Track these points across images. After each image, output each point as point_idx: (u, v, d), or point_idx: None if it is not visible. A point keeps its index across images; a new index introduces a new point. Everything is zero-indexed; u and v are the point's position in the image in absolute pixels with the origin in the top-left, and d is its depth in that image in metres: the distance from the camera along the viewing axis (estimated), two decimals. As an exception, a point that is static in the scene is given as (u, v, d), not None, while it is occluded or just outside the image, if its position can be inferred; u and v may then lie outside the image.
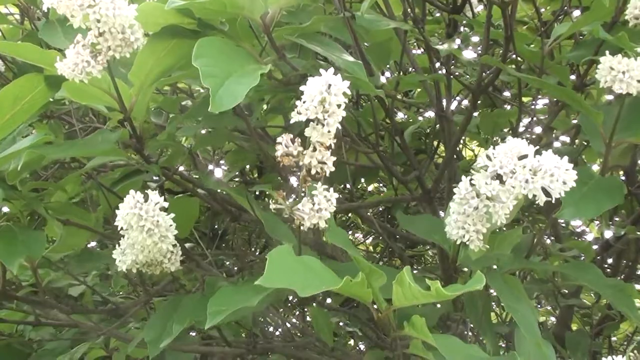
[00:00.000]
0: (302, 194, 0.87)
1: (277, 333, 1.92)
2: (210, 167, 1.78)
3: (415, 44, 1.91)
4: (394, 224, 2.05)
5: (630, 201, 1.71)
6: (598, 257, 1.70)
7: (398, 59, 1.53)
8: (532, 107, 1.66)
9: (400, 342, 0.98)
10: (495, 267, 1.10)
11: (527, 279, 1.67)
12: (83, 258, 1.45)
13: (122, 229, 0.97)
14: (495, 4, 1.20)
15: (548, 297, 1.84)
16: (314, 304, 1.53)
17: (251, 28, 1.09)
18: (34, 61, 1.01)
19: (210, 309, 0.83)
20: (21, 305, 1.46)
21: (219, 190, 1.44)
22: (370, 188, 2.37)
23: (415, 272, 1.61)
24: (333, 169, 0.84)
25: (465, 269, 1.18)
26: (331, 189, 0.86)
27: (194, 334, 1.72)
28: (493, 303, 1.67)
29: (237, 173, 1.85)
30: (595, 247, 1.69)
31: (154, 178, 1.60)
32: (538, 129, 1.62)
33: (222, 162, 1.86)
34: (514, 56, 1.46)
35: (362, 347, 2.20)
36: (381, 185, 2.35)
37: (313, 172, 0.83)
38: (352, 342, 2.26)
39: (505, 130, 1.64)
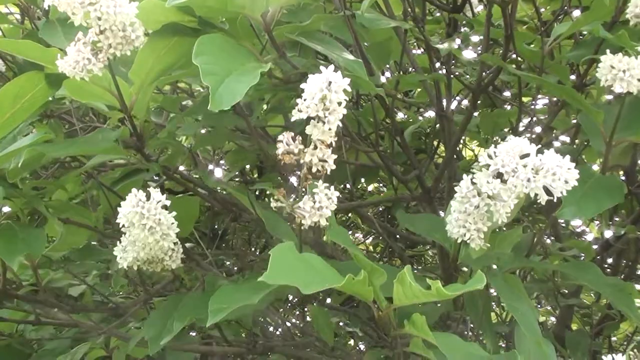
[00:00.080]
0: (303, 192, 0.87)
1: (277, 333, 1.92)
2: (211, 167, 1.78)
3: (415, 44, 1.91)
4: (394, 224, 2.05)
5: (630, 201, 1.70)
6: (598, 257, 1.70)
7: (398, 59, 1.53)
8: (532, 107, 1.66)
9: (401, 340, 0.98)
10: (495, 266, 1.10)
11: (527, 279, 1.66)
12: (84, 254, 1.45)
13: (123, 226, 0.97)
14: (495, 3, 1.20)
15: (548, 297, 1.84)
16: (315, 304, 1.53)
17: (252, 27, 1.08)
18: (35, 59, 1.02)
19: (212, 306, 0.83)
20: (22, 305, 1.46)
21: (219, 190, 1.44)
22: (370, 188, 2.37)
23: (415, 272, 1.61)
24: (334, 166, 0.84)
25: (465, 269, 1.18)
26: (332, 187, 0.86)
27: (194, 333, 1.72)
28: (493, 303, 1.67)
29: (237, 173, 1.85)
30: (595, 246, 1.69)
31: (154, 178, 1.60)
32: (538, 129, 1.62)
33: (222, 162, 1.86)
34: (514, 56, 1.45)
35: (362, 347, 2.19)
36: (381, 185, 2.35)
37: (314, 170, 0.83)
38: (352, 342, 2.25)
39: (506, 130, 1.64)
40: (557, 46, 1.42)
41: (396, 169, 1.57)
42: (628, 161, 1.56)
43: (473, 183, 0.91)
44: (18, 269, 1.15)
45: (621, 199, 1.05)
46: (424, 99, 1.83)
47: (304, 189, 0.86)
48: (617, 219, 1.81)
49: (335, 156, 0.84)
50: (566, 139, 1.65)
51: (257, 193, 1.91)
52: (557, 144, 1.65)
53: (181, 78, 1.25)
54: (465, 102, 1.88)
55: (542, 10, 1.65)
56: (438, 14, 1.74)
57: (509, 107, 1.74)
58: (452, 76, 1.47)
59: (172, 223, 0.98)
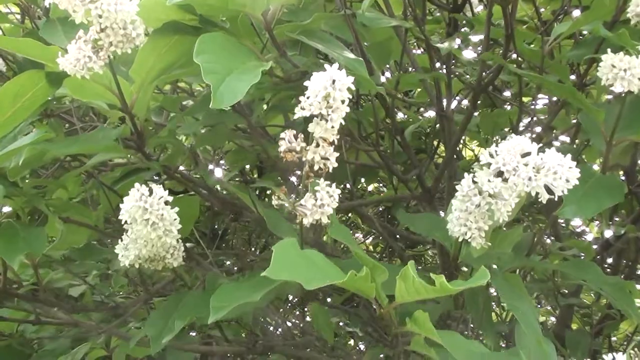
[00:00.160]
0: (305, 190, 0.87)
1: (278, 333, 1.92)
2: (211, 166, 1.77)
3: (415, 44, 1.91)
4: (394, 224, 2.05)
5: (630, 200, 1.71)
6: (598, 257, 1.70)
7: (398, 59, 1.53)
8: (533, 106, 1.66)
9: (402, 339, 0.98)
10: (494, 266, 1.10)
11: (527, 278, 1.66)
12: (84, 253, 1.45)
13: (125, 222, 0.97)
14: (495, 3, 1.21)
15: (548, 296, 1.84)
16: (316, 302, 1.53)
17: (252, 25, 1.09)
18: (35, 57, 1.02)
19: (213, 304, 0.83)
20: (22, 305, 1.46)
21: (219, 190, 1.44)
22: (370, 188, 2.37)
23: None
24: (336, 164, 0.84)
25: (465, 268, 1.18)
26: (333, 185, 0.86)
27: (194, 334, 1.72)
28: (493, 303, 1.67)
29: (237, 173, 1.85)
30: (595, 246, 1.69)
31: (154, 178, 1.60)
32: (538, 129, 1.62)
33: (222, 162, 1.86)
34: (514, 56, 1.45)
35: (362, 347, 2.19)
36: (381, 185, 2.35)
37: (316, 167, 0.83)
38: (352, 342, 2.25)
39: (506, 130, 1.64)
40: (557, 46, 1.42)
41: (396, 168, 1.57)
42: (628, 161, 1.56)
43: (474, 182, 0.91)
44: (18, 268, 1.15)
45: (621, 198, 1.05)
46: (424, 99, 1.83)
47: (305, 187, 0.86)
48: (617, 219, 1.81)
49: (338, 154, 0.84)
50: (566, 139, 1.65)
51: (257, 193, 1.91)
52: (557, 144, 1.65)
53: (182, 77, 1.25)
54: (465, 102, 1.88)
55: (542, 10, 1.65)
56: (438, 14, 1.74)
57: (509, 107, 1.74)
58: (452, 75, 1.46)
59: (175, 219, 0.98)
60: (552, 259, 1.35)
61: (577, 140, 1.56)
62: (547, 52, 1.25)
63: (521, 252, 1.19)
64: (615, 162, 1.34)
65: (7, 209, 1.28)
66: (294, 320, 2.04)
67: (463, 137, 1.78)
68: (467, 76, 1.70)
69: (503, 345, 1.57)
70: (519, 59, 1.37)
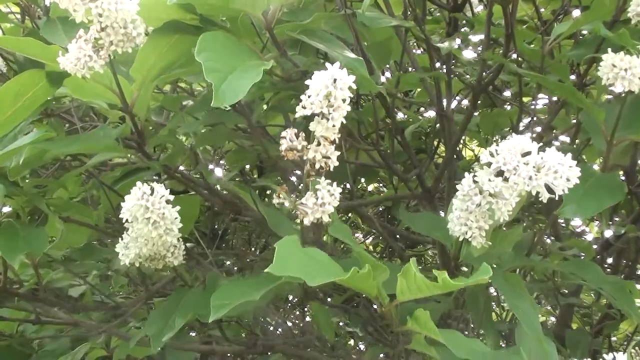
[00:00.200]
0: (306, 189, 0.87)
1: (278, 333, 1.92)
2: (211, 166, 1.77)
3: (415, 44, 1.91)
4: (394, 224, 2.05)
5: (630, 200, 1.71)
6: (598, 257, 1.70)
7: (398, 59, 1.54)
8: (533, 106, 1.66)
9: (402, 338, 0.98)
10: (495, 265, 1.10)
11: (527, 279, 1.67)
12: (84, 253, 1.45)
13: (126, 221, 0.97)
14: (496, 2, 1.21)
15: (548, 296, 1.84)
16: (316, 301, 1.52)
17: (253, 25, 1.09)
18: (36, 56, 1.02)
19: (214, 302, 0.83)
20: (22, 305, 1.45)
21: (220, 189, 1.44)
22: (370, 188, 2.37)
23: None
24: (337, 163, 0.84)
25: (465, 268, 1.18)
26: (334, 184, 0.86)
27: (194, 334, 1.72)
28: (493, 303, 1.67)
29: (237, 173, 1.85)
30: (595, 246, 1.69)
31: (154, 178, 1.60)
32: (538, 129, 1.62)
33: (222, 162, 1.86)
34: (514, 56, 1.46)
35: (362, 347, 2.19)
36: (381, 185, 2.35)
37: (317, 166, 0.84)
38: (352, 342, 2.25)
39: (506, 130, 1.64)
40: (557, 46, 1.42)
41: (396, 167, 1.57)
42: (628, 161, 1.56)
43: (475, 181, 0.91)
44: (19, 268, 1.15)
45: (622, 197, 1.05)
46: (424, 99, 1.83)
47: (306, 186, 0.87)
48: (617, 219, 1.81)
49: (339, 153, 0.84)
50: (566, 139, 1.65)
51: (257, 193, 1.91)
52: (556, 143, 1.65)
53: (182, 76, 1.25)
54: (465, 102, 1.88)
55: (542, 10, 1.65)
56: (438, 14, 1.75)
57: (508, 107, 1.74)
58: (452, 75, 1.47)
59: (176, 218, 0.98)
60: (552, 258, 1.35)
61: (577, 140, 1.56)
62: (547, 51, 1.25)
63: (521, 252, 1.19)
64: (615, 162, 1.34)
65: (7, 209, 1.28)
66: (294, 320, 2.04)
67: (463, 137, 1.79)
68: (467, 76, 1.70)
69: (503, 345, 1.57)
70: (519, 58, 1.38)
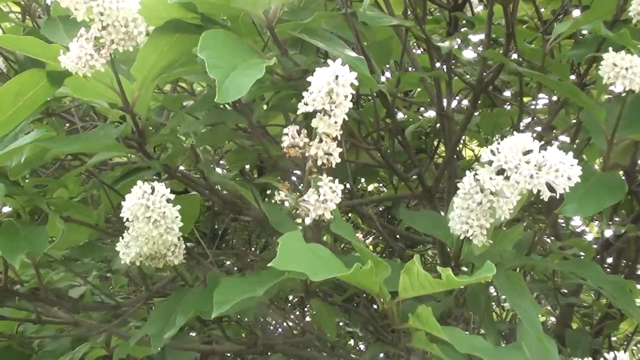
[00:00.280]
0: (308, 186, 0.87)
1: (278, 332, 1.92)
2: (211, 166, 1.77)
3: (415, 44, 1.91)
4: (394, 224, 2.05)
5: (630, 200, 1.71)
6: (598, 257, 1.70)
7: (398, 58, 1.54)
8: (533, 106, 1.66)
9: (403, 337, 0.99)
10: (496, 264, 1.10)
11: (527, 278, 1.67)
12: (85, 251, 1.45)
13: (127, 220, 0.97)
14: (496, 2, 1.21)
15: (548, 296, 1.84)
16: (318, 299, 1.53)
17: (254, 24, 1.09)
18: (37, 55, 1.01)
19: (217, 298, 0.83)
20: (23, 305, 1.45)
21: (220, 188, 1.44)
22: (370, 188, 2.37)
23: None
24: (339, 160, 0.84)
25: (465, 269, 1.18)
26: (336, 180, 0.86)
27: (194, 334, 1.72)
28: (493, 303, 1.67)
29: (237, 173, 1.85)
30: (594, 246, 1.69)
31: (154, 178, 1.60)
32: (538, 129, 1.63)
33: (222, 162, 1.86)
34: (514, 56, 1.46)
35: (362, 347, 2.20)
36: (381, 185, 2.35)
37: (319, 163, 0.84)
38: (352, 342, 2.26)
39: (506, 129, 1.64)
40: (557, 45, 1.43)
41: (397, 166, 1.58)
42: (628, 161, 1.57)
43: (476, 179, 0.91)
44: (19, 268, 1.15)
45: (622, 196, 1.05)
46: (424, 99, 1.83)
47: (308, 183, 0.87)
48: (617, 219, 1.81)
49: (340, 149, 0.84)
50: (566, 139, 1.65)
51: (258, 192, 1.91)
52: (556, 143, 1.65)
53: (183, 75, 1.25)
54: (465, 102, 1.88)
55: (542, 10, 1.66)
56: (438, 14, 1.75)
57: (508, 107, 1.74)
58: (452, 75, 1.47)
59: (176, 217, 0.98)
60: (552, 258, 1.36)
61: (577, 140, 1.57)
62: (547, 51, 1.26)
63: (522, 251, 1.19)
64: (615, 162, 1.34)
65: (7, 209, 1.28)
66: (293, 319, 2.04)
67: (463, 137, 1.79)
68: (467, 76, 1.70)
69: (503, 345, 1.57)
70: (520, 58, 1.38)
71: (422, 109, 1.99)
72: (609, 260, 1.85)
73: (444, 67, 1.48)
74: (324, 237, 1.51)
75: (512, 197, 0.89)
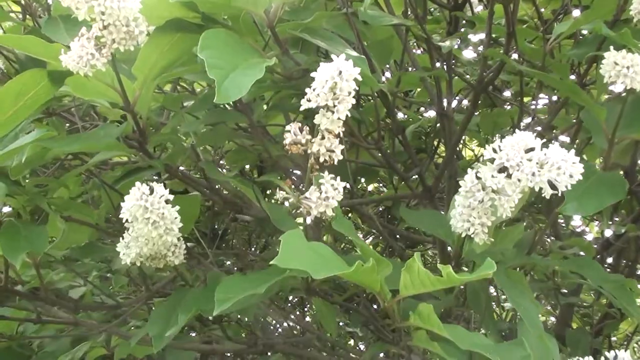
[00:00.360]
0: (309, 183, 0.87)
1: (278, 332, 1.92)
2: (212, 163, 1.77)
3: (415, 44, 1.91)
4: (394, 224, 2.05)
5: (630, 200, 1.71)
6: (598, 256, 1.70)
7: (399, 58, 1.54)
8: (533, 107, 1.67)
9: (404, 336, 0.99)
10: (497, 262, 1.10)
11: (527, 278, 1.67)
12: (85, 251, 1.45)
13: (126, 221, 0.97)
14: (497, 1, 1.21)
15: (548, 296, 1.84)
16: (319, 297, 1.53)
17: (255, 23, 1.09)
18: (37, 54, 1.01)
19: (218, 296, 0.83)
20: (23, 305, 1.45)
21: (219, 188, 1.44)
22: (370, 188, 2.37)
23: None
24: (341, 157, 0.85)
25: (466, 268, 1.18)
26: (338, 178, 0.86)
27: (194, 334, 1.72)
28: (492, 303, 1.67)
29: (237, 173, 1.85)
30: (595, 246, 1.69)
31: (154, 178, 1.60)
32: (539, 129, 1.63)
33: (222, 162, 1.86)
34: (515, 56, 1.46)
35: (362, 347, 2.20)
36: (381, 185, 2.35)
37: (321, 160, 0.84)
38: (352, 342, 2.26)
39: (506, 129, 1.64)
40: (557, 45, 1.43)
41: (397, 166, 1.58)
42: (628, 161, 1.57)
43: (477, 177, 0.91)
44: (20, 268, 1.15)
45: (623, 195, 1.05)
46: (425, 99, 1.83)
47: (310, 180, 0.87)
48: (617, 219, 1.82)
49: (343, 146, 0.84)
50: (566, 139, 1.65)
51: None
52: (557, 143, 1.65)
53: (183, 75, 1.25)
54: (465, 102, 1.89)
55: (542, 10, 1.66)
56: (438, 14, 1.75)
57: (509, 107, 1.75)
58: (453, 74, 1.47)
59: (176, 217, 0.98)
60: (552, 257, 1.36)
61: (577, 140, 1.57)
62: (547, 50, 1.26)
63: (522, 251, 1.19)
64: (615, 162, 1.34)
65: (6, 209, 1.28)
66: (293, 319, 2.04)
67: (463, 137, 1.79)
68: (468, 76, 1.70)
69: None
70: (520, 58, 1.38)
71: (422, 108, 2.00)
72: (609, 260, 1.85)
73: (444, 66, 1.49)
74: (324, 236, 1.51)
75: (514, 195, 0.89)
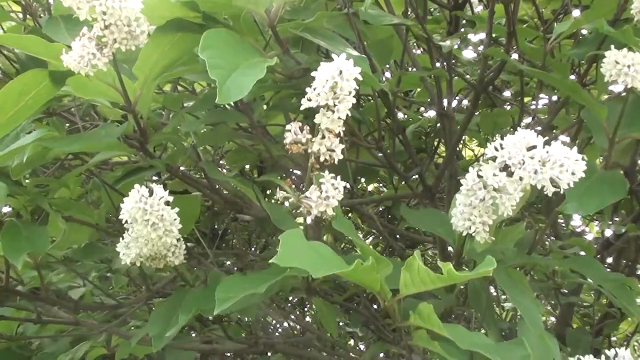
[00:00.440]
0: (310, 182, 0.87)
1: (278, 332, 1.92)
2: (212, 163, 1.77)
3: (415, 44, 1.91)
4: (394, 224, 2.05)
5: (630, 200, 1.71)
6: (598, 256, 1.70)
7: (399, 58, 1.54)
8: (533, 106, 1.67)
9: (405, 335, 0.98)
10: (497, 261, 1.10)
11: (527, 278, 1.67)
12: (85, 252, 1.45)
13: (126, 222, 0.97)
14: (497, 1, 1.21)
15: (548, 296, 1.84)
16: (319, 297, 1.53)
17: (255, 23, 1.09)
18: (38, 54, 1.01)
19: (219, 295, 0.83)
20: (23, 305, 1.45)
21: (219, 188, 1.44)
22: (370, 188, 2.37)
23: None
24: (341, 156, 0.85)
25: (466, 268, 1.18)
26: (338, 177, 0.86)
27: (194, 334, 1.72)
28: (493, 303, 1.67)
29: (237, 173, 1.85)
30: (595, 246, 1.69)
31: (154, 178, 1.60)
32: (539, 128, 1.63)
33: (222, 162, 1.86)
34: (515, 56, 1.46)
35: (362, 347, 2.20)
36: (381, 185, 2.35)
37: (322, 159, 0.84)
38: (352, 342, 2.26)
39: (507, 129, 1.64)
40: (557, 45, 1.43)
41: (397, 166, 1.58)
42: (628, 160, 1.57)
43: (479, 176, 0.91)
44: (21, 269, 1.15)
45: (624, 194, 1.05)
46: (425, 99, 1.83)
47: (310, 179, 0.87)
48: (617, 219, 1.82)
49: (343, 146, 0.84)
50: (566, 138, 1.65)
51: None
52: (558, 141, 1.65)
53: (184, 74, 1.25)
54: (465, 102, 1.89)
55: (542, 10, 1.66)
56: (438, 14, 1.75)
57: (509, 107, 1.75)
58: (453, 74, 1.47)
59: (175, 219, 0.98)
60: (553, 257, 1.36)
61: (577, 140, 1.57)
62: (548, 50, 1.26)
63: (523, 250, 1.19)
64: (615, 162, 1.34)
65: (6, 209, 1.28)
66: (293, 319, 2.04)
67: (463, 137, 1.79)
68: (468, 76, 1.70)
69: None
70: (520, 58, 1.38)
71: (422, 108, 2.00)
72: (609, 260, 1.85)
73: (445, 66, 1.49)
74: (325, 236, 1.50)
75: (515, 194, 0.89)
